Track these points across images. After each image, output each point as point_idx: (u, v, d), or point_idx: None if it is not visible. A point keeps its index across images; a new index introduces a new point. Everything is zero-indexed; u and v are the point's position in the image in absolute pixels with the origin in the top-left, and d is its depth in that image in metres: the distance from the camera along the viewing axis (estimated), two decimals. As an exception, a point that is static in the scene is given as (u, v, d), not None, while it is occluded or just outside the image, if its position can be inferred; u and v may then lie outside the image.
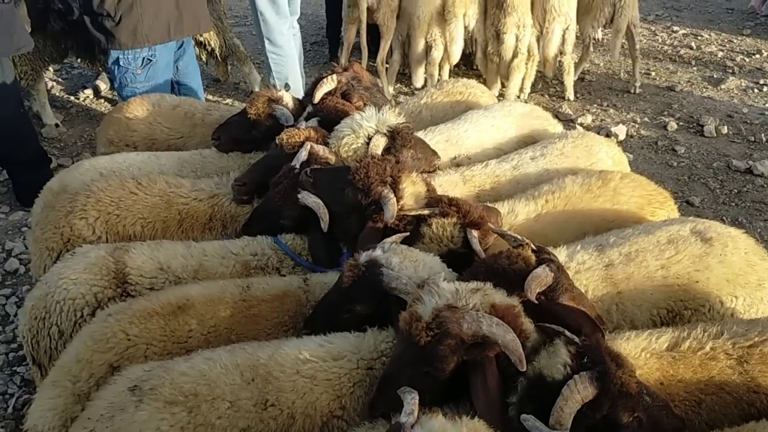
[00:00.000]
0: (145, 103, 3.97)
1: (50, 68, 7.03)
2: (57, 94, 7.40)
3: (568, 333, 2.02)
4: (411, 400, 1.73)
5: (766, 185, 5.75)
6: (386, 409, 1.95)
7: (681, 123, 6.86)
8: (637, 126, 6.86)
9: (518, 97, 7.21)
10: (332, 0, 7.85)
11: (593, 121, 6.93)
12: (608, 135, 6.55)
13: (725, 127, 6.67)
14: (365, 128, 3.04)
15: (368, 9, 6.93)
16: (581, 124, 6.76)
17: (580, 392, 1.84)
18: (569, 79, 7.33)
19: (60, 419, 2.22)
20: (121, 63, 4.72)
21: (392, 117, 3.10)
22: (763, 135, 6.50)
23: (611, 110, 7.22)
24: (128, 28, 4.53)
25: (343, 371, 2.12)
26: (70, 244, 2.97)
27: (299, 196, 2.78)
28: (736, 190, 5.70)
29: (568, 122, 6.75)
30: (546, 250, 2.33)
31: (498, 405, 1.92)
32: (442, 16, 7.04)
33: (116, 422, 1.92)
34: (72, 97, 7.37)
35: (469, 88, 4.13)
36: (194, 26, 4.98)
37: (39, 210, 3.40)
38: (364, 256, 2.31)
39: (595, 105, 7.33)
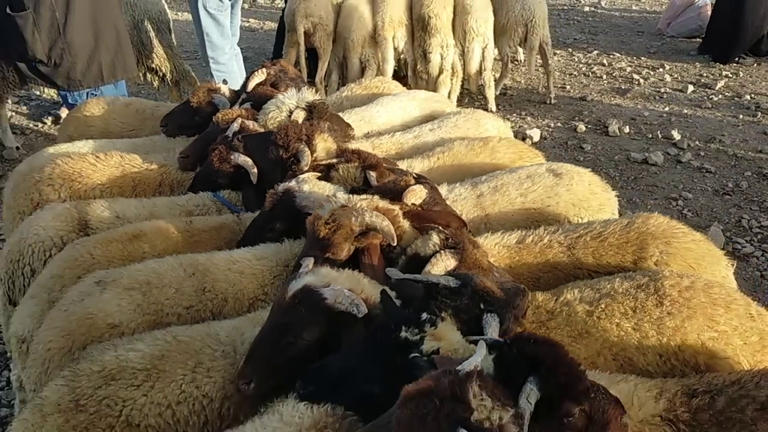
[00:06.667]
0: (101, 102, 4.56)
1: (9, 101, 7.52)
2: (16, 123, 7.88)
3: (440, 227, 2.67)
4: (309, 262, 2.34)
5: (658, 172, 6.58)
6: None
7: (589, 126, 7.71)
8: (550, 129, 7.68)
9: (445, 109, 7.97)
10: (283, 26, 8.54)
11: (512, 127, 7.71)
12: (524, 138, 7.34)
13: (627, 127, 7.54)
14: (287, 104, 3.69)
15: (305, 33, 7.67)
16: (500, 130, 7.54)
17: (444, 261, 2.46)
18: (490, 92, 8.13)
19: (38, 323, 2.72)
20: (69, 99, 5.31)
21: (310, 95, 3.75)
22: (659, 132, 7.38)
23: (528, 118, 8.04)
24: (62, 74, 5.15)
25: (266, 268, 2.72)
26: (39, 208, 3.50)
27: (232, 156, 3.39)
28: (632, 177, 6.50)
29: (489, 129, 7.51)
30: (424, 177, 2.99)
31: (381, 276, 2.53)
32: (374, 39, 7.82)
33: (86, 303, 2.47)
34: (32, 124, 7.87)
35: (384, 83, 4.84)
36: (124, 71, 5.56)
37: (9, 191, 3.91)
38: (281, 186, 2.93)
39: (515, 114, 8.15)
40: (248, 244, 2.92)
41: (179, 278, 2.59)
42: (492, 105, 8.17)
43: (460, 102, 8.28)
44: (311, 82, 8.00)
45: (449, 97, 7.95)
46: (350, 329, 2.12)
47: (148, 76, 7.81)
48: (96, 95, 5.46)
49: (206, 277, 2.62)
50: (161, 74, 7.78)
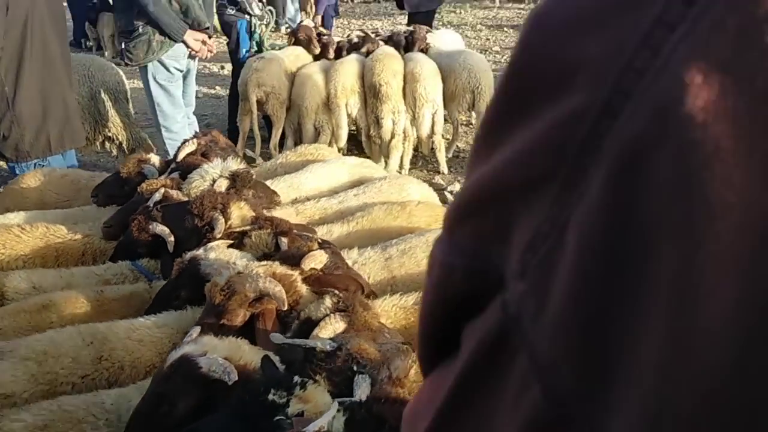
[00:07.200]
0: (37, 174, 4.67)
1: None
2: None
3: (336, 291, 2.76)
4: (194, 331, 2.41)
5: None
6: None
7: (537, 185, 7.90)
8: (499, 190, 7.86)
9: (399, 172, 8.17)
10: (234, 94, 8.78)
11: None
12: (472, 198, 7.53)
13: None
14: (211, 173, 3.81)
15: (258, 101, 7.90)
16: (451, 192, 7.74)
17: (332, 324, 2.54)
18: (441, 156, 8.36)
19: (-60, 395, 2.76)
20: (16, 170, 5.47)
21: (234, 164, 3.88)
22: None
23: (479, 179, 8.24)
24: (11, 146, 5.29)
25: (166, 335, 2.77)
26: (-39, 281, 3.55)
27: (150, 226, 3.49)
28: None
29: (441, 191, 7.70)
30: (328, 242, 3.09)
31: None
32: (328, 106, 8.08)
33: (-20, 374, 2.51)
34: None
35: (319, 150, 5.00)
36: (72, 141, 5.70)
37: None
38: (188, 255, 3.02)
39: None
40: (155, 312, 2.98)
41: (77, 347, 2.64)
42: (444, 167, 8.38)
43: (414, 164, 8.51)
44: (267, 147, 8.20)
45: (402, 160, 8.18)
46: (226, 395, 2.17)
47: (107, 144, 7.97)
48: (44, 165, 5.58)
49: (104, 345, 2.67)
50: (118, 142, 7.93)
